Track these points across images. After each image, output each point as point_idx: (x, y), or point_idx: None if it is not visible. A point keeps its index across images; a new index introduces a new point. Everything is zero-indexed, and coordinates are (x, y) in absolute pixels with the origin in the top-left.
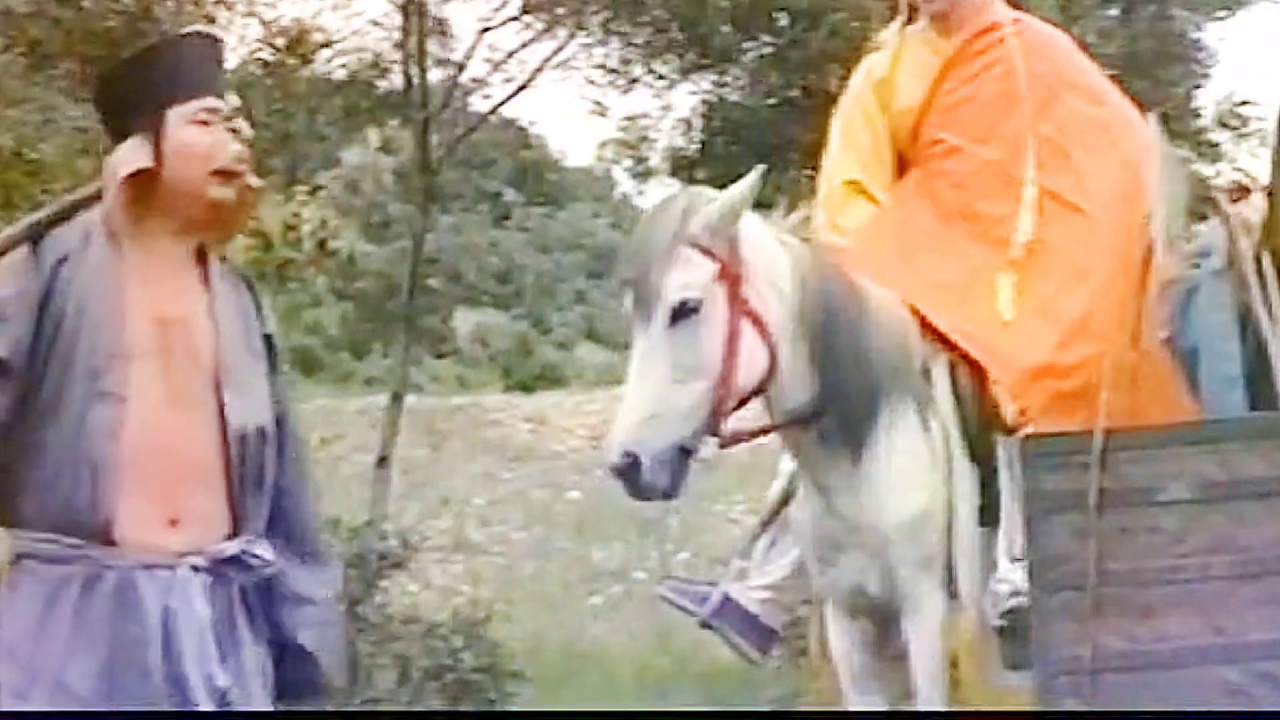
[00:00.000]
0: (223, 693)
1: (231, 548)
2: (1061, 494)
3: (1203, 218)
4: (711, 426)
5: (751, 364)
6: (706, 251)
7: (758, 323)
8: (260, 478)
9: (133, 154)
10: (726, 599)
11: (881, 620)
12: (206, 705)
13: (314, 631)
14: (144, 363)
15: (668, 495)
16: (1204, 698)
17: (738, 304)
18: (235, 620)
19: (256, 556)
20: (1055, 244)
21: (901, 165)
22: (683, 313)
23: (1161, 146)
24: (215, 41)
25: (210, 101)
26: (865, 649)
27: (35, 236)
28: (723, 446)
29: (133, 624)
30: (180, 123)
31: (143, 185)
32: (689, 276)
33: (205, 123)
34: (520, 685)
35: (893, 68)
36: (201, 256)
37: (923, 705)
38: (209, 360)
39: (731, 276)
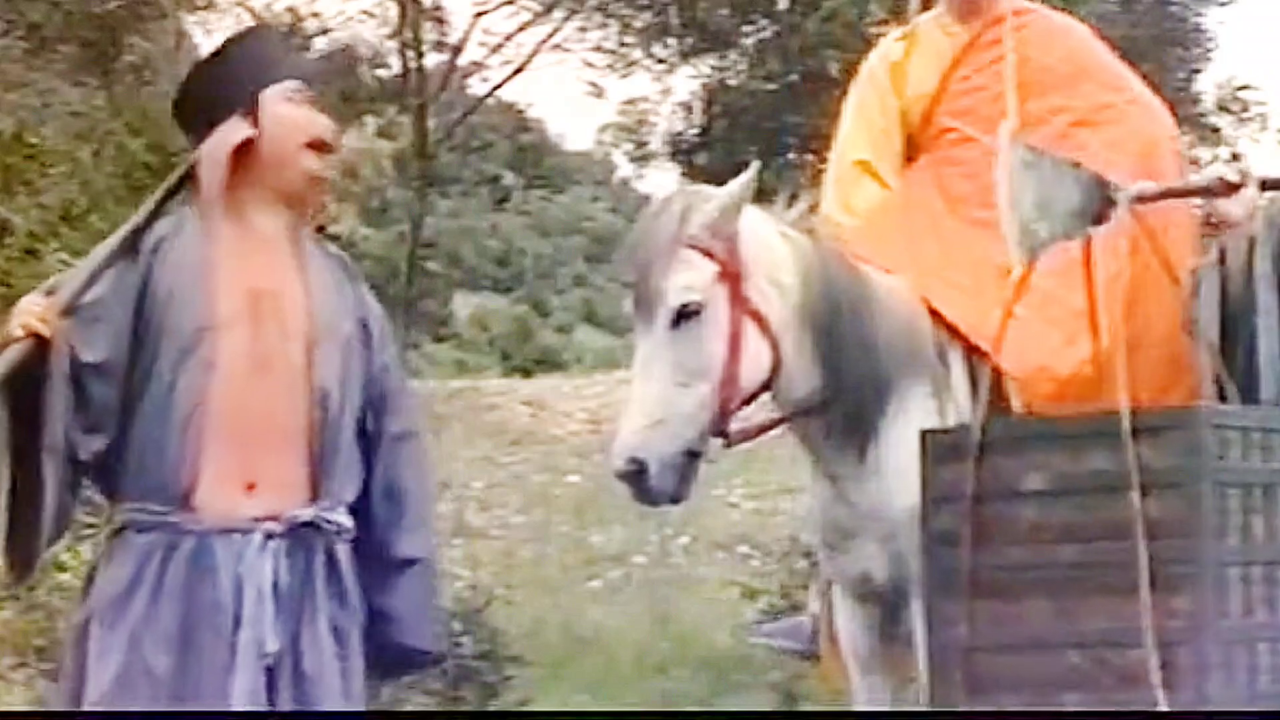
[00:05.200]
0: (274, 658)
1: (306, 513)
2: (949, 483)
3: (1096, 220)
4: (717, 427)
5: (755, 363)
6: (706, 252)
7: (760, 321)
8: (346, 441)
9: (234, 130)
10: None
11: (888, 605)
12: (248, 671)
13: (403, 596)
14: (232, 332)
15: (675, 499)
16: (1052, 680)
17: (739, 304)
18: (314, 586)
19: (331, 522)
20: None
21: (911, 149)
22: (685, 315)
23: (1010, 154)
24: (287, 34)
25: (297, 83)
26: (871, 633)
27: (135, 235)
28: (728, 446)
29: (208, 589)
30: (276, 99)
31: (239, 160)
32: (690, 279)
33: (294, 100)
34: (520, 669)
35: (907, 52)
36: (294, 234)
37: (926, 691)
38: (300, 327)
39: (732, 276)
